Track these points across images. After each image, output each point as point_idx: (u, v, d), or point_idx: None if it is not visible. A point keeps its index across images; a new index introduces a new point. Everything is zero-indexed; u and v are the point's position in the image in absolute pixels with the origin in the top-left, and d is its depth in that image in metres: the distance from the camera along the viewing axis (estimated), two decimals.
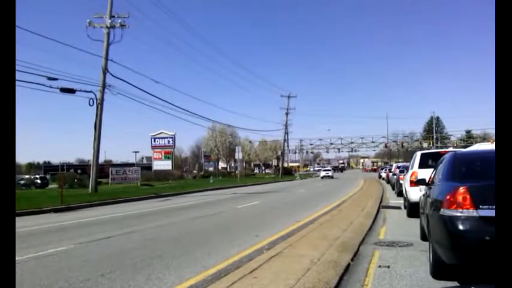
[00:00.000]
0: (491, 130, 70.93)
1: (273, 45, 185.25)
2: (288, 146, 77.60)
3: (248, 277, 5.65)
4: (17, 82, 18.02)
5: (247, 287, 5.21)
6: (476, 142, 45.79)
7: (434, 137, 76.75)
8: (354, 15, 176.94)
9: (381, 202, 17.41)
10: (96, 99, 26.13)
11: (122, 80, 27.77)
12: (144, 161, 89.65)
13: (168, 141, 60.46)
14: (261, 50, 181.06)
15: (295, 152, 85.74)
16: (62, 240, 9.74)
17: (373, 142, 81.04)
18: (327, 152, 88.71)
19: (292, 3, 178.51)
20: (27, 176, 56.42)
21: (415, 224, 9.76)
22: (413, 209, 11.65)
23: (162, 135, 60.35)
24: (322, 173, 65.48)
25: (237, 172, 60.09)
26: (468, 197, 4.71)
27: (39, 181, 52.22)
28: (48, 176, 60.58)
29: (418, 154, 14.32)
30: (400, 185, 18.84)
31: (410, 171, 14.10)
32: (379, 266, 6.42)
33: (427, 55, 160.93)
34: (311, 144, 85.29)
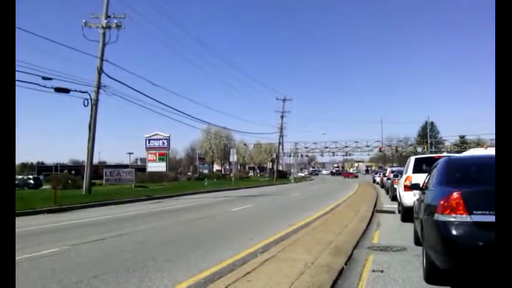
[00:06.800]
0: (485, 136, 71.48)
1: (268, 48, 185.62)
2: (282, 149, 77.65)
3: (242, 280, 5.64)
4: None
5: None
6: (470, 147, 46.06)
7: (429, 141, 77.04)
8: (351, 20, 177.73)
9: (375, 206, 17.45)
10: (91, 100, 26.01)
11: (117, 80, 27.65)
12: (139, 163, 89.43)
13: (163, 143, 60.40)
14: (257, 52, 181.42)
15: (290, 155, 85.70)
16: (55, 242, 9.69)
17: (367, 146, 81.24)
18: (322, 155, 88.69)
19: (290, 6, 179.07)
20: (20, 177, 55.95)
21: (409, 228, 9.79)
22: (407, 214, 11.68)
23: (156, 137, 60.29)
24: None
25: (231, 175, 59.99)
26: (462, 202, 4.73)
27: (32, 182, 51.80)
28: (41, 177, 60.12)
29: (412, 159, 14.38)
30: (395, 189, 18.90)
31: (404, 176, 14.15)
32: (373, 271, 6.43)
33: (422, 60, 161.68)
34: (306, 148, 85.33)
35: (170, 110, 55.34)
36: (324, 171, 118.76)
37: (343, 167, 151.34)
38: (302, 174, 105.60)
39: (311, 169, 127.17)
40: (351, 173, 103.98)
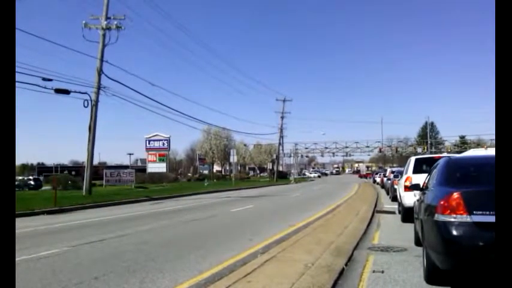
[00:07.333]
0: (485, 136, 71.49)
1: (269, 48, 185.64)
2: (283, 150, 77.62)
3: (242, 281, 5.64)
4: None
5: None
6: (470, 148, 46.03)
7: (429, 142, 77.03)
8: (352, 21, 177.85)
9: (375, 207, 17.45)
10: (91, 101, 26.00)
11: (117, 81, 27.66)
12: (139, 163, 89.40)
13: (163, 144, 60.41)
14: (257, 53, 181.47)
15: (290, 156, 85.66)
16: (55, 243, 9.68)
17: (367, 147, 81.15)
18: (322, 156, 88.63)
19: (289, 7, 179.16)
20: (20, 178, 56.03)
21: (409, 229, 9.79)
22: (407, 214, 11.68)
23: (156, 138, 60.29)
24: None
25: (231, 175, 59.97)
26: (462, 202, 4.72)
27: (32, 182, 51.87)
28: (41, 178, 60.21)
29: (413, 159, 14.38)
30: (395, 189, 18.90)
31: (404, 176, 14.15)
32: (373, 271, 6.43)
33: (422, 61, 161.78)
34: (306, 148, 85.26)
35: (170, 110, 55.56)
36: (316, 172, 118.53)
37: (343, 168, 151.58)
38: (313, 175, 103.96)
39: (311, 169, 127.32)
40: (367, 173, 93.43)
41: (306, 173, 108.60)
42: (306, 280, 5.62)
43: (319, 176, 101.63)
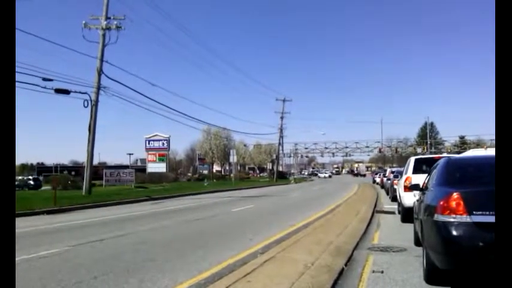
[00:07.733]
0: (485, 136, 71.49)
1: (269, 49, 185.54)
2: (282, 150, 77.61)
3: (242, 281, 5.64)
4: None
5: None
6: (470, 148, 46.04)
7: (429, 142, 77.03)
8: (352, 21, 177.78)
9: (375, 207, 17.44)
10: (91, 101, 26.00)
11: (117, 81, 27.66)
12: (139, 163, 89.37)
13: (163, 144, 60.39)
14: (258, 53, 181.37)
15: (290, 156, 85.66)
16: (55, 243, 9.68)
17: (367, 147, 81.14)
18: (322, 156, 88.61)
19: (289, 7, 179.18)
20: (20, 177, 56.02)
21: (409, 229, 9.79)
22: (407, 214, 11.68)
23: (156, 138, 60.28)
24: None
25: (231, 175, 59.98)
26: (461, 202, 4.72)
27: (32, 182, 51.94)
28: (41, 178, 60.21)
29: (412, 159, 14.38)
30: (395, 190, 18.90)
31: (404, 177, 14.15)
32: (373, 271, 6.43)
33: (422, 61, 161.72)
34: (306, 148, 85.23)
35: (170, 110, 55.54)
36: (326, 172, 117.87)
37: (342, 168, 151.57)
38: (324, 175, 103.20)
39: (311, 169, 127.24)
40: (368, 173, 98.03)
41: (320, 175, 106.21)
42: (306, 280, 5.62)
43: (329, 176, 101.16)
